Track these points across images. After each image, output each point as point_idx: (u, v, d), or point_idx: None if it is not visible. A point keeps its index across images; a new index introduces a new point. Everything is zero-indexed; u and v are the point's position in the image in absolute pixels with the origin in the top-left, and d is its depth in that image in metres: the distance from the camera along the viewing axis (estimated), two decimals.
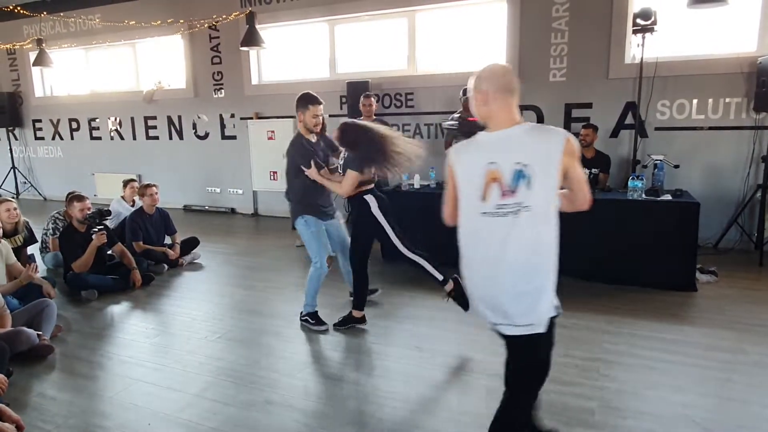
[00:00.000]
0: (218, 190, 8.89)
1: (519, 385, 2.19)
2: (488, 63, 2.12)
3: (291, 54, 8.03)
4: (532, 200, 1.95)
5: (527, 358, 2.14)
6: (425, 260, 3.88)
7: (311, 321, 4.00)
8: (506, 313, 2.03)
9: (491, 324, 2.11)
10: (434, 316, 4.16)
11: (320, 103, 3.91)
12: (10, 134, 10.66)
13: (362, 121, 3.96)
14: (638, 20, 5.45)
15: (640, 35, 5.53)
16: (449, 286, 3.82)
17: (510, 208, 1.97)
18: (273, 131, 7.87)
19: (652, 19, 5.39)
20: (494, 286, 2.04)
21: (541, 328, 2.02)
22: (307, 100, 3.88)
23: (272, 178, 7.96)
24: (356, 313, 3.99)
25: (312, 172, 3.80)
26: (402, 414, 2.87)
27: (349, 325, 3.98)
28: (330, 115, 6.39)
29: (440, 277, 3.85)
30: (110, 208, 5.27)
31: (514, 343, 2.11)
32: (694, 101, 5.83)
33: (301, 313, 4.07)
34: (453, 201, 2.20)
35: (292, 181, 3.96)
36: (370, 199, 3.82)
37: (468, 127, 3.45)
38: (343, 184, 3.72)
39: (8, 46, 9.92)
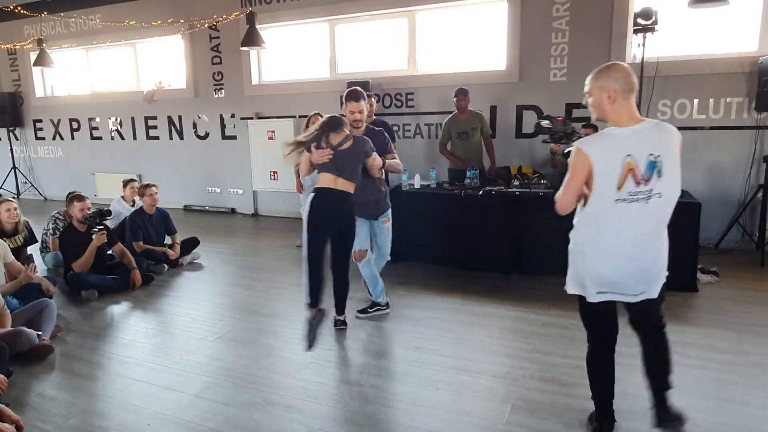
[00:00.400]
0: (218, 190, 8.89)
1: (651, 329, 2.69)
2: (608, 63, 2.39)
3: (291, 54, 8.03)
4: (662, 188, 2.33)
5: (651, 313, 2.63)
6: (318, 281, 3.63)
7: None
8: (648, 284, 2.46)
9: (616, 295, 2.47)
10: (434, 316, 4.15)
11: (355, 100, 3.80)
12: (11, 134, 10.66)
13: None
14: (639, 20, 5.44)
15: (641, 35, 5.51)
16: (310, 314, 3.57)
17: (642, 194, 2.31)
18: (273, 131, 7.87)
19: (653, 18, 5.38)
20: (637, 263, 2.41)
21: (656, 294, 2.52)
22: (346, 96, 3.86)
23: (272, 178, 7.96)
24: (338, 317, 4.03)
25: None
26: (402, 414, 2.87)
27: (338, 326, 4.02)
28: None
29: (308, 300, 3.61)
30: (110, 208, 5.27)
31: (641, 306, 2.54)
32: (695, 101, 5.83)
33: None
34: (577, 192, 2.40)
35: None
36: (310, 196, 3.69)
37: (566, 126, 3.42)
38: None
39: (9, 46, 9.92)
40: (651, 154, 2.28)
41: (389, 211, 4.17)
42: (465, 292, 4.65)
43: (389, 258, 4.33)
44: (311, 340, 3.49)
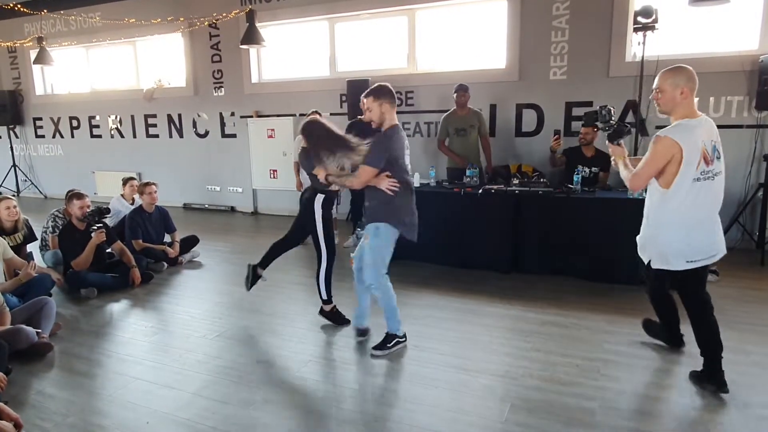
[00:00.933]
0: (218, 189, 8.89)
1: (695, 293, 3.13)
2: (675, 65, 2.94)
3: (291, 52, 8.02)
4: (721, 167, 2.95)
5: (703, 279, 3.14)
6: (328, 275, 3.97)
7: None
8: (718, 250, 3.02)
9: (706, 260, 3.00)
10: (432, 315, 4.15)
11: (367, 95, 3.60)
12: (11, 132, 10.67)
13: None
14: (639, 18, 5.44)
15: (641, 33, 5.52)
16: (328, 307, 4.02)
17: (709, 174, 2.88)
18: (273, 129, 7.87)
19: (654, 17, 5.38)
20: (713, 231, 2.99)
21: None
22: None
23: (272, 176, 7.96)
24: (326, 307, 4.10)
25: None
26: (401, 413, 2.86)
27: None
28: (330, 114, 6.38)
29: (325, 297, 3.99)
30: (110, 206, 5.25)
31: (701, 271, 3.06)
32: (696, 100, 5.73)
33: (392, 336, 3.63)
34: (655, 174, 2.92)
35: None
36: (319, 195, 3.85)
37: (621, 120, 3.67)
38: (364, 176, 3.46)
39: (9, 44, 9.92)
40: (713, 141, 2.91)
41: (373, 226, 3.51)
42: (464, 290, 4.65)
43: (367, 284, 3.57)
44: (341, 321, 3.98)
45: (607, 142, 3.29)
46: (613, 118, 3.34)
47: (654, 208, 3.03)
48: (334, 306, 4.04)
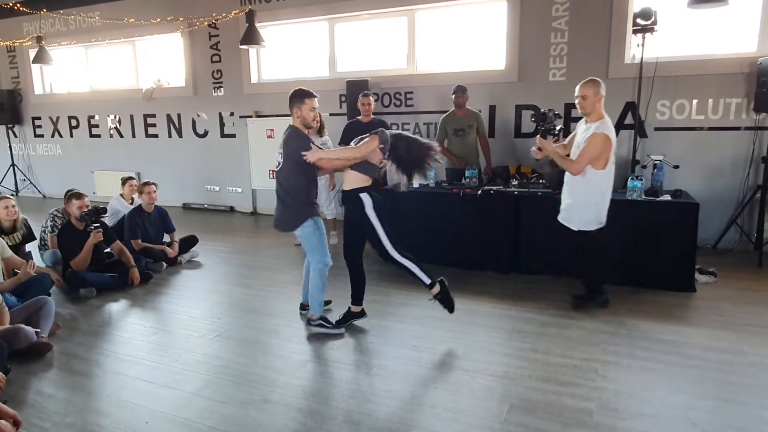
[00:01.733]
0: (217, 189, 8.89)
1: (598, 243, 4.13)
2: (590, 78, 3.93)
3: (290, 52, 8.03)
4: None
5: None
6: (414, 263, 3.82)
7: (327, 324, 3.89)
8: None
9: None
10: (431, 315, 4.15)
11: (315, 96, 3.81)
12: (10, 132, 10.66)
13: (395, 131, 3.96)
14: (638, 20, 5.45)
15: (640, 35, 5.53)
16: (436, 289, 3.82)
17: (614, 158, 4.02)
18: (272, 130, 7.87)
19: (653, 19, 5.39)
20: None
21: None
22: (302, 95, 3.78)
23: (271, 176, 7.95)
24: (354, 308, 4.00)
25: (316, 153, 3.68)
26: (400, 413, 2.87)
27: (349, 321, 3.99)
28: (330, 114, 6.38)
29: (428, 281, 3.82)
30: (109, 206, 5.24)
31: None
32: (694, 101, 5.83)
33: (312, 317, 3.94)
34: (592, 162, 3.91)
35: (295, 180, 3.74)
36: (365, 197, 3.75)
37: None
38: (361, 147, 3.67)
39: (8, 43, 9.92)
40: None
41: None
42: (463, 291, 4.64)
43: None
44: (451, 305, 3.90)
45: (539, 137, 4.13)
46: (555, 122, 4.18)
47: (580, 187, 4.02)
48: (442, 285, 3.85)
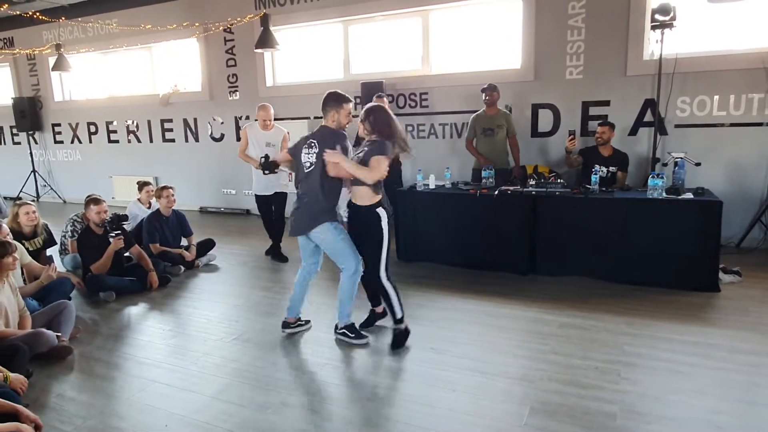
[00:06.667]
0: (233, 192, 8.94)
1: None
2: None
3: (305, 55, 8.05)
4: None
5: None
6: (396, 293, 3.64)
7: (350, 334, 3.75)
8: None
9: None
10: (450, 318, 4.12)
11: (351, 101, 3.76)
12: (31, 138, 10.83)
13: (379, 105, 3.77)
14: (657, 16, 5.36)
15: (658, 31, 5.44)
16: (402, 326, 3.66)
17: None
18: (288, 132, 7.87)
19: (672, 14, 5.30)
20: None
21: None
22: (341, 99, 3.66)
23: (288, 179, 7.96)
24: (378, 309, 4.02)
25: (337, 155, 3.49)
26: (418, 417, 2.84)
27: (373, 323, 4.00)
28: None
29: (400, 315, 3.65)
30: (127, 211, 5.27)
31: None
32: (715, 97, 5.72)
33: (336, 326, 3.83)
34: None
35: (329, 180, 3.60)
36: (382, 212, 3.58)
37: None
38: (376, 169, 3.44)
39: (28, 51, 10.08)
40: None
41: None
42: (480, 293, 4.61)
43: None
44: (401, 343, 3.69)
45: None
46: None
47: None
48: (407, 328, 3.72)
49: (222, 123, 8.78)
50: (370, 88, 6.82)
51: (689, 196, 4.61)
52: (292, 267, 5.74)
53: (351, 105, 3.73)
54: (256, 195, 5.99)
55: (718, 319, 3.96)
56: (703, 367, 3.24)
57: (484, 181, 5.48)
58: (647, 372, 3.22)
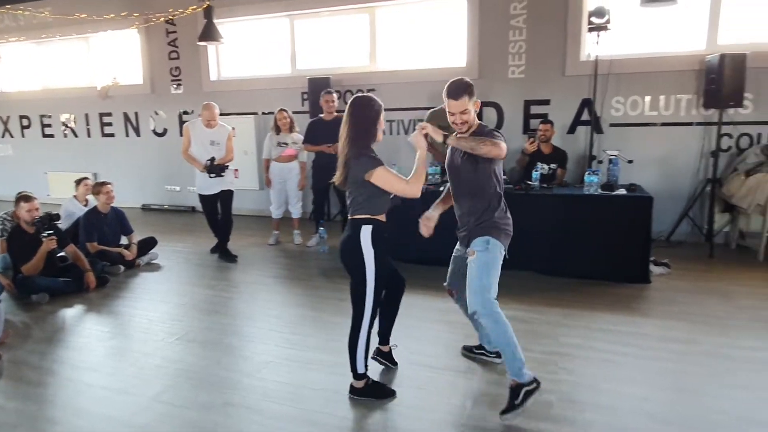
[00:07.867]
0: (178, 189, 8.70)
1: None
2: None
3: (251, 49, 7.91)
4: None
5: None
6: (367, 341, 2.95)
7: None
8: None
9: None
10: (400, 313, 4.15)
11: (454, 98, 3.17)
12: None
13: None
14: (593, 18, 5.57)
15: (595, 33, 5.65)
16: (361, 383, 2.98)
17: None
18: (233, 128, 7.71)
19: (606, 17, 5.52)
20: None
21: None
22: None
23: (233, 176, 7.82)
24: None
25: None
26: (362, 412, 2.86)
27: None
28: (292, 112, 6.32)
29: (362, 370, 2.98)
30: (62, 209, 5.05)
31: None
32: (647, 98, 5.99)
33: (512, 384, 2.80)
34: None
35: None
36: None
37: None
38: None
39: None
40: None
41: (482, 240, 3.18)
42: (427, 288, 4.67)
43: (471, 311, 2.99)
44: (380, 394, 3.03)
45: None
46: None
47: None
48: (369, 379, 3.02)
49: (165, 117, 8.52)
50: (317, 84, 6.78)
51: (622, 191, 4.82)
52: (237, 265, 5.65)
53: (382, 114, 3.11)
54: (200, 195, 5.82)
55: (649, 310, 4.17)
56: (635, 357, 3.40)
57: (429, 177, 5.55)
58: (583, 362, 3.35)
